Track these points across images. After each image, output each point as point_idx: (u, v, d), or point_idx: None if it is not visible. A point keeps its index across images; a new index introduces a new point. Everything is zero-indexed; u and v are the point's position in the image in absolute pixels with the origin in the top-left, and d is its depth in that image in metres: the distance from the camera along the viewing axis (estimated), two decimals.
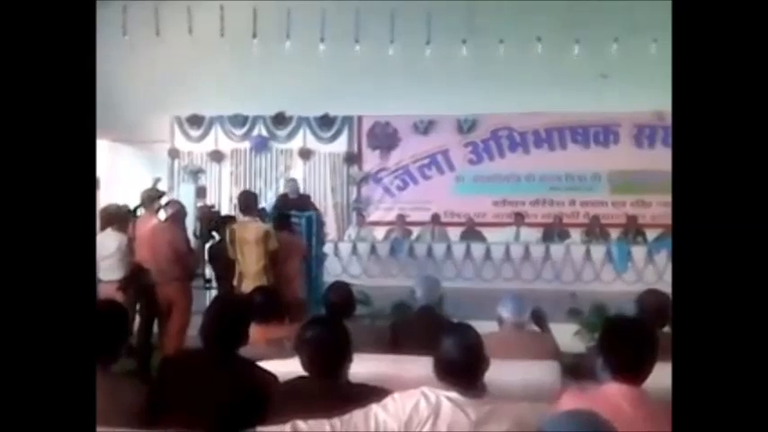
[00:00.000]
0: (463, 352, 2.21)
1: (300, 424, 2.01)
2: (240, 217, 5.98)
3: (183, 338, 5.23)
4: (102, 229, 5.32)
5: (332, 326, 2.58)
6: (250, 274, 5.40)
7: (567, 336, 4.89)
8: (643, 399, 2.20)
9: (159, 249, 5.37)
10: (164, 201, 5.83)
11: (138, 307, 5.39)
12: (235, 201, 10.57)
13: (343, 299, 3.70)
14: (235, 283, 5.49)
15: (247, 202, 5.81)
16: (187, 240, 5.81)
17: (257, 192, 8.19)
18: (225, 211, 7.90)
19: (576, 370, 3.24)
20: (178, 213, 5.60)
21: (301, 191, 9.34)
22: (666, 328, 3.42)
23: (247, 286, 5.05)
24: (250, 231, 5.51)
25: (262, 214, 6.11)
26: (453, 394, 2.14)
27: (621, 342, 2.29)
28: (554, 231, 10.08)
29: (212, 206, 7.57)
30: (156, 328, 5.46)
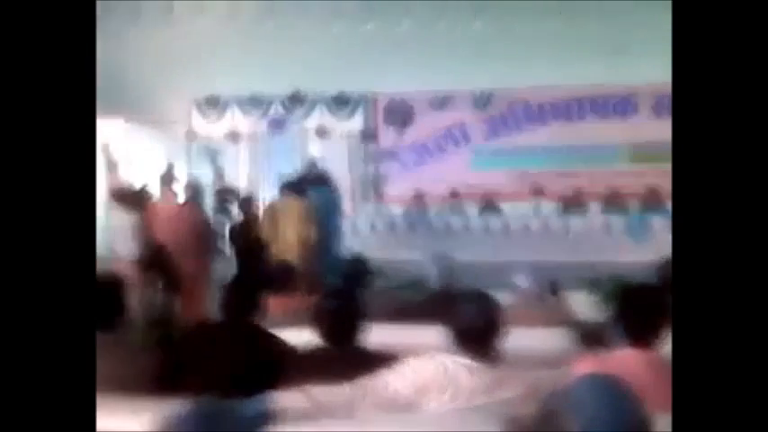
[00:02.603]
0: (480, 319, 2.23)
1: (315, 390, 2.05)
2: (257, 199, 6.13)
3: (202, 311, 5.34)
4: (117, 208, 5.42)
5: (347, 297, 2.63)
6: (286, 249, 5.61)
7: (585, 305, 4.88)
8: (658, 363, 2.21)
9: (180, 230, 5.49)
10: (179, 183, 5.93)
11: (159, 284, 5.49)
12: (252, 180, 10.73)
13: (359, 271, 3.76)
14: (270, 258, 5.67)
15: (289, 182, 6.05)
16: (207, 220, 5.91)
17: (275, 171, 8.24)
18: (243, 191, 7.97)
19: (591, 337, 3.25)
20: (196, 194, 5.70)
21: (319, 168, 9.37)
22: None
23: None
24: (293, 209, 5.74)
25: (302, 193, 6.29)
26: (467, 361, 2.16)
27: (637, 309, 2.31)
28: (573, 204, 10.02)
29: (231, 186, 7.63)
30: (177, 304, 5.56)
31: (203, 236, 5.60)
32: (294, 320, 3.10)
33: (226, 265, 6.40)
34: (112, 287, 2.63)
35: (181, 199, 5.74)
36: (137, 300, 5.10)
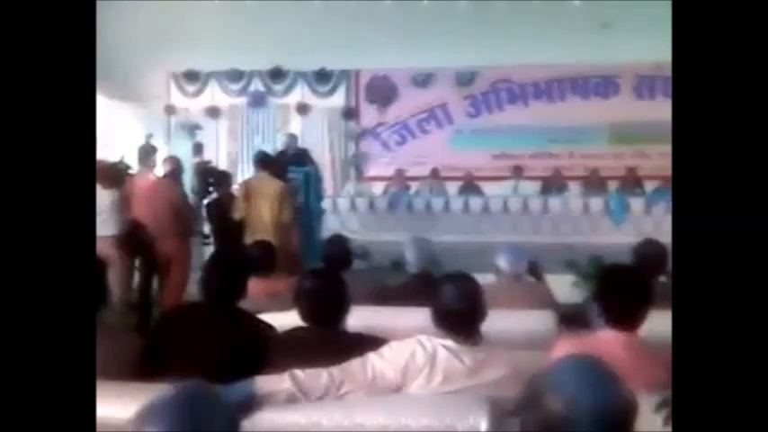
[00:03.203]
0: (462, 300, 2.23)
1: (298, 373, 2.04)
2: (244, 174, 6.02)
3: (183, 293, 5.27)
4: (105, 186, 5.31)
5: (329, 277, 2.61)
6: (261, 228, 5.48)
7: (565, 287, 4.92)
8: (637, 345, 2.23)
9: (157, 205, 5.37)
10: (159, 157, 5.81)
11: (137, 263, 5.41)
12: (232, 156, 10.59)
13: (340, 252, 3.73)
14: (245, 237, 5.57)
15: (265, 158, 5.91)
16: (185, 196, 5.82)
17: (254, 147, 8.16)
18: (222, 167, 7.88)
19: (571, 319, 3.28)
20: (175, 169, 5.60)
21: (299, 146, 9.31)
22: (663, 278, 3.45)
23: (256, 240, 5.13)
24: (268, 186, 5.60)
25: (278, 171, 6.16)
26: (449, 342, 2.16)
27: (616, 289, 2.32)
28: (552, 184, 10.07)
29: (209, 162, 7.55)
30: (155, 284, 5.50)
31: (181, 212, 5.48)
32: (275, 302, 3.09)
33: (204, 245, 6.35)
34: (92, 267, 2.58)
35: (159, 174, 5.64)
36: (115, 280, 5.04)
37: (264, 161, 5.88)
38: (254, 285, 3.67)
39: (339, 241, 3.88)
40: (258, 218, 5.56)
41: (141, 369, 2.35)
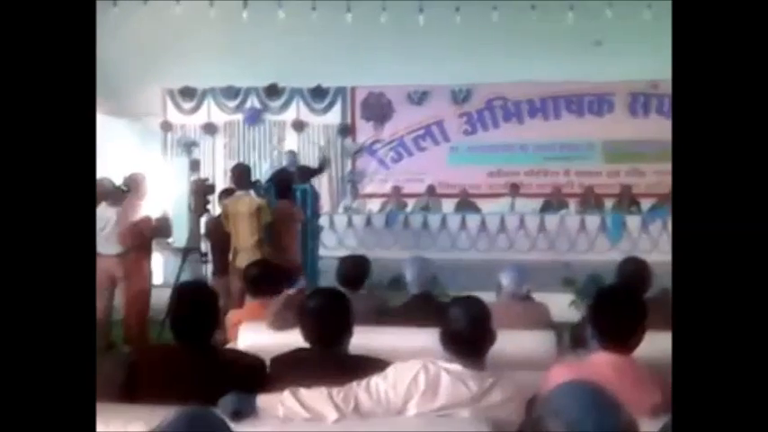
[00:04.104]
0: (471, 325, 2.21)
1: (301, 391, 2.04)
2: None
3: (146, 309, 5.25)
4: (98, 203, 5.29)
5: (334, 297, 2.59)
6: (244, 248, 5.39)
7: (563, 305, 4.93)
8: (631, 367, 2.21)
9: (122, 221, 5.30)
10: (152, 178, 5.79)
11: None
12: (229, 173, 10.57)
13: (358, 270, 3.72)
14: (230, 257, 5.50)
15: (240, 175, 5.77)
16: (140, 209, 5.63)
17: (251, 164, 8.15)
18: (219, 185, 7.88)
19: (570, 339, 3.28)
20: (136, 185, 5.47)
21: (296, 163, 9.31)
22: (649, 295, 3.45)
23: (242, 261, 5.05)
24: (243, 205, 5.49)
25: (256, 187, 6.11)
26: (454, 366, 2.14)
27: (609, 311, 2.30)
28: (553, 202, 10.10)
29: (206, 179, 7.54)
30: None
31: (134, 225, 5.31)
32: (277, 322, 3.08)
33: (203, 263, 6.32)
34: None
35: (154, 194, 5.61)
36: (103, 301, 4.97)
37: (240, 180, 5.73)
38: (255, 307, 3.70)
39: (357, 260, 3.86)
40: (240, 238, 5.45)
41: (120, 394, 2.31)
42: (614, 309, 2.31)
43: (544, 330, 3.18)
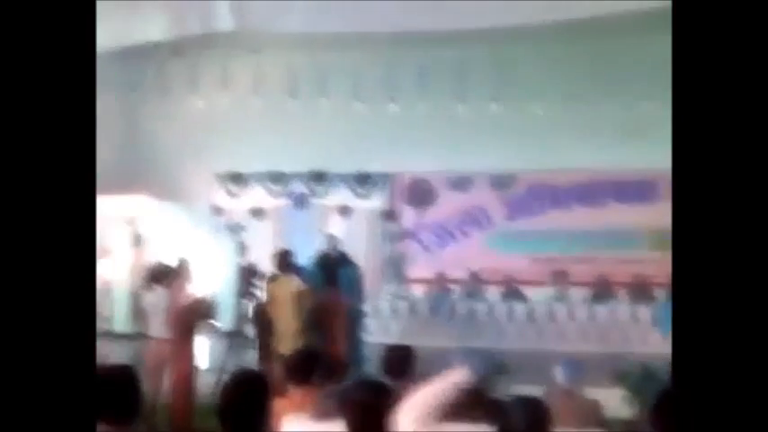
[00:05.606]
0: (533, 428, 2.15)
1: None
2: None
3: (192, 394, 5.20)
4: (152, 286, 5.39)
5: (377, 389, 2.53)
6: (287, 334, 5.38)
7: (614, 400, 4.74)
8: None
9: (171, 304, 5.36)
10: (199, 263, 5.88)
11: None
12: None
13: (403, 361, 3.66)
14: (274, 343, 5.48)
15: (282, 260, 5.83)
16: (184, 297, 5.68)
17: (296, 248, 8.22)
18: (266, 269, 7.94)
19: None
20: (185, 269, 5.56)
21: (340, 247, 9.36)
22: None
23: (285, 346, 5.02)
24: (285, 289, 5.53)
25: (299, 272, 6.14)
26: None
27: (668, 411, 2.20)
28: (600, 291, 9.87)
29: (253, 264, 7.63)
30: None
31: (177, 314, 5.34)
32: (319, 411, 3.02)
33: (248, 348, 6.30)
34: (126, 379, 2.49)
35: (202, 278, 5.69)
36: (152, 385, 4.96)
37: (282, 264, 5.75)
38: (298, 395, 3.64)
39: (401, 350, 3.80)
40: (282, 323, 5.43)
41: None
42: (673, 407, 2.20)
43: (596, 428, 3.05)
